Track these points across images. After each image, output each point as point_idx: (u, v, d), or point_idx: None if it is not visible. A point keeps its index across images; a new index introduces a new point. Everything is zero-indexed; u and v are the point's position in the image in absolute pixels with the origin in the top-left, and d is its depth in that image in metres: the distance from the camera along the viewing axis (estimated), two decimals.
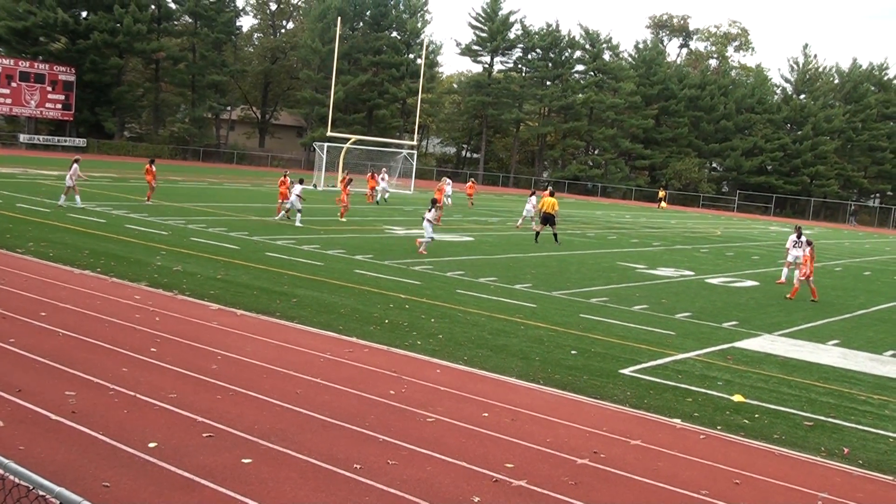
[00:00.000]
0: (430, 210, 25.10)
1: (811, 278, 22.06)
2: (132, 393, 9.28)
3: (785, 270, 25.53)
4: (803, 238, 24.55)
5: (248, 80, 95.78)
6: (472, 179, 54.38)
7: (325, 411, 9.26)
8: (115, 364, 10.35)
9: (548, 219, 31.15)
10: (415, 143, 68.51)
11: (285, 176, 33.25)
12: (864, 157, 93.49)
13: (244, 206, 35.01)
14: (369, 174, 52.12)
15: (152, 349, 11.19)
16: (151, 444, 7.82)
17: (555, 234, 31.29)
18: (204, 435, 8.21)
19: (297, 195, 30.22)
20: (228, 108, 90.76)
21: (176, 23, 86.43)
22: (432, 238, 24.88)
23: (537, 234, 31.54)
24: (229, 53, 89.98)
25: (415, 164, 62.77)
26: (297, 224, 29.14)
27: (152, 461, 7.46)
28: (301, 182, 31.35)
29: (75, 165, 29.39)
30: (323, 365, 11.26)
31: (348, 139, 60.30)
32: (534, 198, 36.73)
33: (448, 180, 45.06)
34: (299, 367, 11.02)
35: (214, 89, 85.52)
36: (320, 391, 10.05)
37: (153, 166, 33.70)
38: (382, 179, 48.10)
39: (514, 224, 36.32)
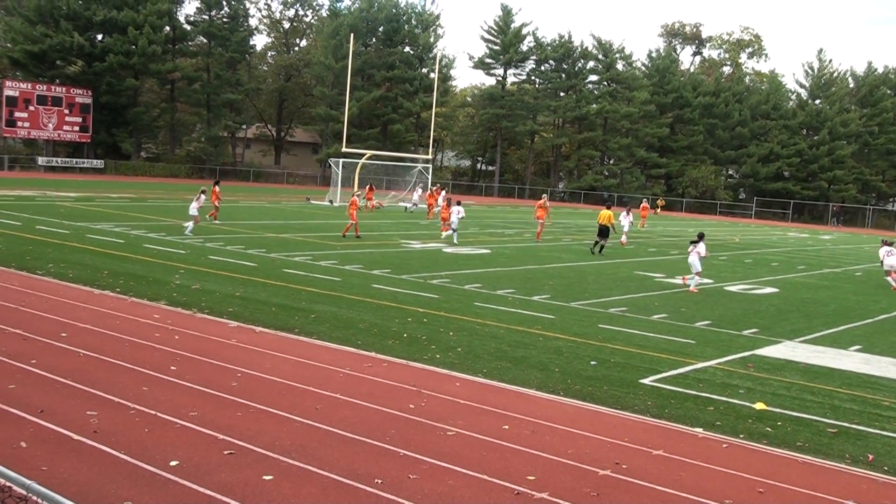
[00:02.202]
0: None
1: None
2: (153, 411, 9.32)
3: (890, 280, 27.17)
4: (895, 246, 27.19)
5: (262, 98, 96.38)
6: (435, 187, 54.19)
7: (345, 426, 9.26)
8: (135, 383, 10.40)
9: (603, 231, 32.26)
10: (430, 156, 68.61)
11: (355, 196, 33.64)
12: (881, 160, 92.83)
13: (261, 223, 35.14)
14: (367, 187, 52.59)
15: (172, 367, 11.23)
16: (173, 463, 7.83)
17: (602, 246, 32.31)
18: (225, 452, 8.22)
19: (458, 217, 32.64)
20: (244, 126, 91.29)
21: (190, 43, 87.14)
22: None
23: (601, 246, 32.29)
24: (244, 72, 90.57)
25: (430, 177, 62.86)
26: (454, 242, 31.78)
27: (174, 479, 7.48)
28: (459, 203, 33.69)
29: (203, 196, 31.07)
30: (342, 380, 11.26)
31: (363, 154, 60.47)
32: (630, 214, 38.70)
33: (428, 189, 46.95)
34: (319, 382, 11.03)
35: (229, 108, 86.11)
36: (340, 406, 10.05)
37: (217, 187, 34.84)
38: (417, 195, 53.64)
39: (620, 241, 36.65)
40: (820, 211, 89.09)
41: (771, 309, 20.88)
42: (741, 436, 10.07)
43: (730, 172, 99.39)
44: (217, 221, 33.70)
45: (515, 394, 11.29)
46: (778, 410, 11.28)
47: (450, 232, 33.01)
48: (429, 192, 52.51)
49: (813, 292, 24.85)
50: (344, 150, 57.97)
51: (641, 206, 57.13)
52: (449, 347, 13.74)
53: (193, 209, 30.11)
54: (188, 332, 13.50)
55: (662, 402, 11.35)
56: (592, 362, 13.40)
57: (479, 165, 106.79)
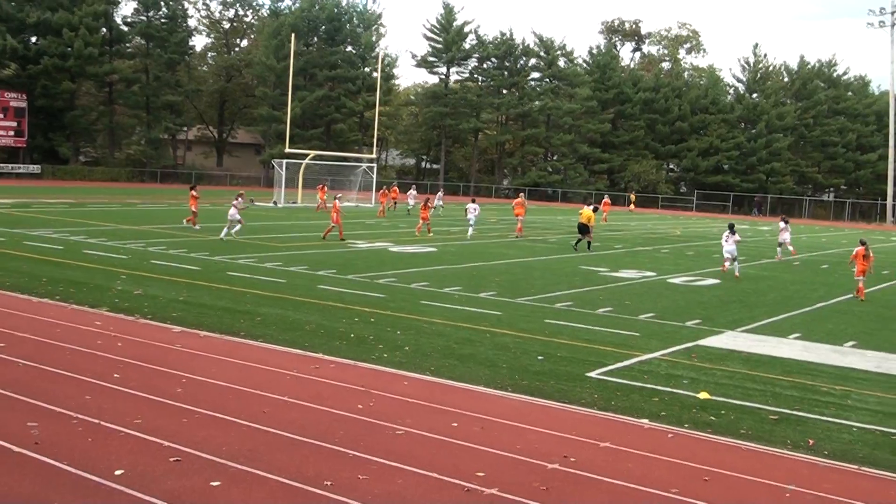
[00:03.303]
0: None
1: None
2: (96, 420, 9.15)
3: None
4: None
5: (203, 99, 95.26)
6: (385, 188, 54.48)
7: (293, 429, 9.20)
8: (77, 392, 10.21)
9: (583, 229, 32.81)
10: (374, 156, 68.47)
11: (336, 199, 33.51)
12: (816, 152, 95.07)
13: (204, 226, 34.72)
14: (320, 186, 52.46)
15: (115, 375, 11.04)
16: (118, 472, 7.71)
17: (582, 241, 32.70)
18: (171, 459, 8.12)
19: (475, 215, 36.77)
20: (184, 128, 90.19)
21: (128, 45, 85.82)
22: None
23: (588, 242, 32.75)
24: (183, 73, 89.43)
25: (375, 177, 62.77)
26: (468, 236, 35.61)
27: (119, 489, 7.36)
28: (474, 201, 37.85)
29: (240, 198, 31.63)
30: (290, 383, 11.19)
31: (307, 155, 60.12)
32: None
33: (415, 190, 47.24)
34: (266, 386, 10.93)
35: (170, 110, 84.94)
36: (288, 409, 9.98)
37: (194, 191, 34.84)
38: (412, 196, 53.70)
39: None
40: (758, 203, 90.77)
41: (713, 300, 21.21)
42: (686, 425, 10.22)
43: (671, 166, 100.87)
44: (197, 227, 33.31)
45: (464, 391, 11.32)
46: (721, 399, 11.47)
47: (424, 228, 35.80)
48: (382, 190, 52.75)
49: (753, 283, 25.30)
50: (287, 150, 57.58)
51: (603, 201, 57.78)
52: (396, 346, 13.73)
53: (234, 214, 30.55)
54: (131, 339, 13.29)
55: (609, 394, 11.47)
56: (539, 357, 13.49)
57: (423, 164, 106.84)
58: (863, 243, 23.48)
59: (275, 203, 54.64)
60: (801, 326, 17.80)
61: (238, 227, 30.79)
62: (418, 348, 13.69)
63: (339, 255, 26.75)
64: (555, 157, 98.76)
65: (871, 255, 23.71)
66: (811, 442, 9.81)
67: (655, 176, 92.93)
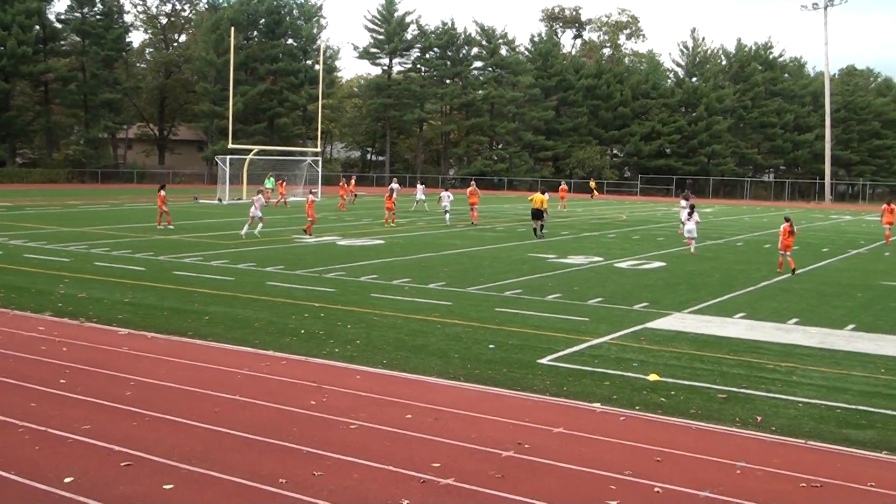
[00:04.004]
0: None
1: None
2: (43, 428, 8.98)
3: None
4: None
5: (142, 96, 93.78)
6: (343, 180, 54.41)
7: (245, 428, 9.12)
8: (22, 400, 10.00)
9: (537, 214, 33.33)
10: (318, 149, 68.00)
11: (311, 195, 33.42)
12: (756, 134, 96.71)
13: (148, 225, 34.22)
14: (279, 182, 52.22)
15: (62, 381, 10.84)
16: (67, 479, 7.57)
17: (541, 227, 33.45)
18: (122, 464, 8.00)
19: (449, 202, 39.78)
20: (124, 126, 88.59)
21: (63, 43, 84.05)
22: None
23: (541, 226, 33.51)
24: (121, 70, 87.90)
25: (320, 170, 62.34)
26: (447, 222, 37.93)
27: (69, 496, 7.23)
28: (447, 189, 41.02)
29: (261, 196, 31.78)
30: (240, 381, 11.09)
31: (251, 150, 59.54)
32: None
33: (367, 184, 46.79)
34: (216, 385, 10.83)
35: (108, 108, 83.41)
36: (240, 408, 9.89)
37: (163, 192, 34.04)
38: (420, 191, 52.49)
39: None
40: (701, 185, 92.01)
41: (659, 282, 21.49)
42: (637, 408, 10.34)
43: (614, 152, 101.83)
44: (171, 226, 32.92)
45: (417, 383, 11.33)
46: (671, 381, 11.62)
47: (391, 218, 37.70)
48: (341, 183, 52.47)
49: (698, 264, 25.68)
50: (230, 146, 57.01)
51: (560, 188, 58.18)
52: (347, 341, 13.68)
53: (256, 210, 30.74)
54: (77, 343, 13.06)
55: (560, 380, 11.56)
56: (491, 346, 13.54)
57: (369, 156, 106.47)
58: (787, 220, 24.52)
59: (220, 200, 54.06)
60: (746, 306, 18.11)
61: (260, 225, 31.02)
62: (369, 341, 13.66)
63: (287, 251, 26.56)
64: (500, 146, 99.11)
65: (796, 231, 24.55)
66: (759, 419, 9.99)
67: (600, 161, 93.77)
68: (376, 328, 14.76)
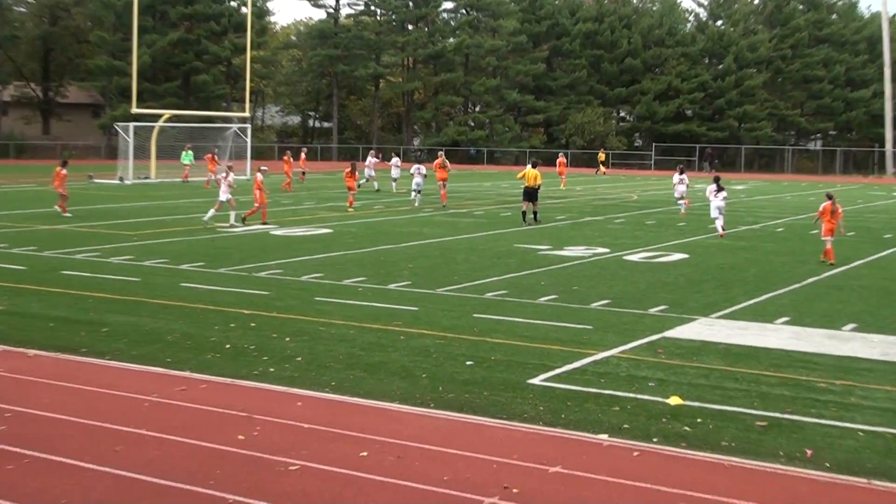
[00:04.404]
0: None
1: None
2: None
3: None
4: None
5: (21, 49, 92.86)
6: (288, 153, 54.00)
7: (155, 471, 9.00)
8: None
9: (530, 194, 33.42)
10: (247, 114, 67.72)
11: (259, 172, 32.91)
12: (798, 90, 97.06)
13: (30, 212, 33.89)
14: (208, 155, 51.98)
15: None
16: None
17: (535, 213, 33.55)
18: None
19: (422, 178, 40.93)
20: None
21: None
22: None
23: (534, 213, 33.56)
24: None
25: (249, 140, 62.09)
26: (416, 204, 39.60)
27: None
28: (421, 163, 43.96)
29: (231, 174, 31.74)
30: (148, 411, 10.96)
31: (161, 116, 59.13)
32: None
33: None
34: (117, 417, 10.70)
35: None
36: (148, 446, 9.77)
37: (64, 170, 33.50)
38: (396, 166, 51.45)
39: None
40: (731, 155, 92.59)
41: (681, 280, 21.54)
42: (654, 439, 10.31)
43: (622, 114, 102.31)
44: (67, 213, 32.64)
45: (374, 410, 11.25)
46: (696, 404, 11.61)
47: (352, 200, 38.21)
48: (286, 156, 51.77)
49: (729, 256, 25.79)
50: (134, 110, 56.59)
51: (558, 160, 58.38)
52: (286, 357, 13.59)
53: (224, 194, 30.74)
54: None
55: (557, 405, 11.51)
56: (468, 362, 13.48)
57: (311, 122, 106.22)
58: (829, 197, 24.78)
59: (121, 179, 53.68)
60: (790, 308, 18.17)
61: (233, 213, 31.04)
62: (314, 358, 13.57)
63: (208, 244, 26.41)
64: (477, 109, 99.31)
65: (840, 210, 24.67)
66: (809, 452, 9.98)
67: (603, 127, 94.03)
68: (322, 341, 14.68)
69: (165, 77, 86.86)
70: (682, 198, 39.57)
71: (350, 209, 37.41)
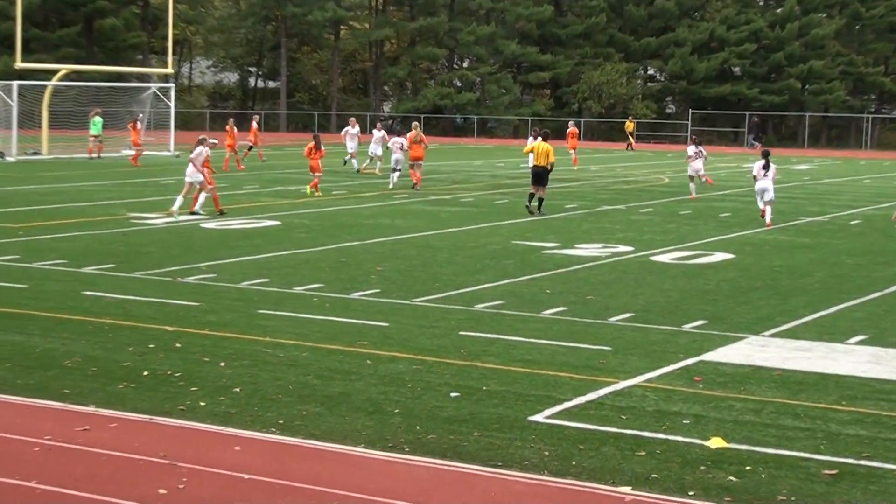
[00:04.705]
0: None
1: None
2: None
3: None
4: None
5: None
6: (230, 122, 53.76)
7: None
8: None
9: (540, 176, 33.38)
10: (170, 69, 67.46)
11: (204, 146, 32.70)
12: (881, 42, 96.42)
13: None
14: (131, 123, 52.02)
15: None
16: None
17: (540, 201, 33.53)
18: None
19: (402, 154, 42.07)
20: None
21: None
22: None
23: (540, 200, 33.62)
24: None
25: (173, 105, 61.84)
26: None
27: None
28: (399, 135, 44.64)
29: (204, 149, 31.77)
30: (40, 458, 10.96)
31: (55, 72, 58.91)
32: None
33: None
34: None
35: None
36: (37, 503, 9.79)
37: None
38: (377, 140, 50.23)
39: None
40: (791, 126, 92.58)
41: (724, 287, 21.61)
42: (691, 493, 10.37)
43: (650, 72, 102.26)
44: None
45: (334, 455, 11.27)
46: (745, 448, 11.66)
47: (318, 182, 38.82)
48: (228, 125, 51.52)
49: (787, 256, 25.87)
50: (19, 65, 56.23)
51: (568, 131, 58.40)
52: (220, 388, 13.60)
53: (192, 173, 31.06)
54: None
55: (566, 449, 11.55)
56: (453, 394, 13.51)
57: (252, 81, 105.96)
58: None
59: (1, 155, 53.43)
60: (868, 324, 18.25)
61: (203, 196, 31.56)
62: (256, 389, 13.58)
63: (119, 239, 26.40)
64: (465, 65, 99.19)
65: None
66: None
67: (626, 89, 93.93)
68: (267, 367, 14.69)
69: (60, 21, 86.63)
70: (694, 177, 41.38)
71: (317, 193, 38.10)
